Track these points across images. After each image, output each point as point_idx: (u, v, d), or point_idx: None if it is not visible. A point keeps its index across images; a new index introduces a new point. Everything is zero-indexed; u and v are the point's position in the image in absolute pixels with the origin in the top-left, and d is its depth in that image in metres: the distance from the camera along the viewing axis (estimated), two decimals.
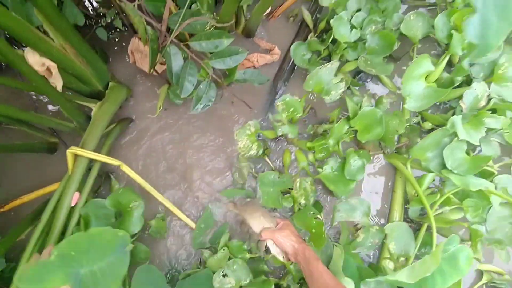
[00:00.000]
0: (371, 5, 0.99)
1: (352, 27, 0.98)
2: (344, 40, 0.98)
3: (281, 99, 0.93)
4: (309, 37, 1.07)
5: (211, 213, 0.95)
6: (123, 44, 1.06)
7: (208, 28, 0.85)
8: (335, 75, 0.97)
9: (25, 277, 0.55)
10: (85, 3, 1.01)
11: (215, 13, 0.92)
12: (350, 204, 0.94)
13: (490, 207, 0.86)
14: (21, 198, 0.89)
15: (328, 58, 1.08)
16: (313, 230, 0.88)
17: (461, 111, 0.91)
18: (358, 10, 1.01)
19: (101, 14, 1.04)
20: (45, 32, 0.73)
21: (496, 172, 0.93)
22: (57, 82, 0.78)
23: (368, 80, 1.12)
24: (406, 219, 1.00)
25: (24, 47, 0.75)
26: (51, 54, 0.74)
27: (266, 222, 0.84)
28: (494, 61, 0.93)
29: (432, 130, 1.01)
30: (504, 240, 0.83)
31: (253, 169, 1.01)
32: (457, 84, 0.97)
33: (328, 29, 1.03)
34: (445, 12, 0.93)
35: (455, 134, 0.86)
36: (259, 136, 1.04)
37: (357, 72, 1.11)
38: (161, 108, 1.00)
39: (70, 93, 0.89)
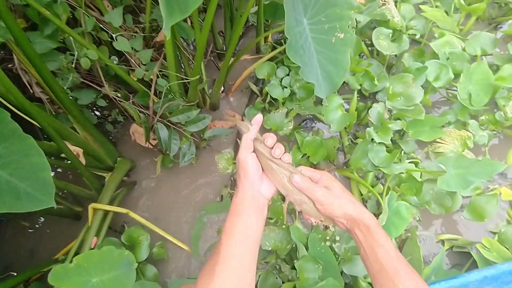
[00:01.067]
0: (293, 72, 1.42)
1: (283, 87, 1.39)
2: (281, 97, 1.37)
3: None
4: (257, 101, 1.47)
5: (199, 224, 1.21)
6: (126, 130, 1.44)
7: (181, 106, 1.24)
8: (286, 117, 1.34)
9: (53, 276, 0.83)
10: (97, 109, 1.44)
11: (185, 96, 1.32)
12: None
13: (422, 185, 1.14)
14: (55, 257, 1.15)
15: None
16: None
17: (372, 123, 1.25)
18: (287, 75, 1.43)
19: (107, 115, 1.45)
20: (73, 128, 1.11)
21: (420, 161, 1.24)
22: (82, 161, 1.13)
23: (313, 125, 1.48)
24: None
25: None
26: (78, 143, 1.10)
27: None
28: (385, 87, 1.31)
29: None
30: (430, 200, 1.13)
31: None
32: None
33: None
34: None
35: (374, 141, 1.19)
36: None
37: (303, 119, 1.48)
38: (159, 171, 1.33)
39: (90, 168, 1.23)
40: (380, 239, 0.56)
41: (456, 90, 1.30)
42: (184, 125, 1.24)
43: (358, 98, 1.37)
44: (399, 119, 1.26)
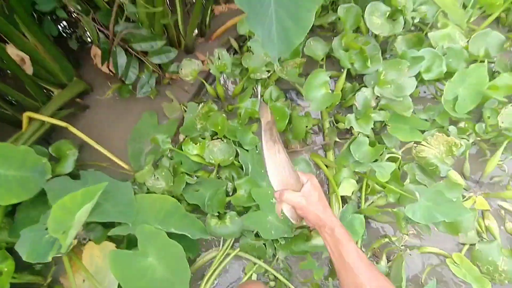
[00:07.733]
0: None
1: None
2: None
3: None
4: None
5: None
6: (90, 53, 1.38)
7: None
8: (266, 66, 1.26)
9: None
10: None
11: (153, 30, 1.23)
12: None
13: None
14: None
15: None
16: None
17: (357, 109, 1.16)
18: None
19: (73, 30, 1.38)
20: (23, 34, 1.05)
21: (400, 157, 1.17)
22: (28, 69, 1.08)
23: (294, 98, 1.37)
24: None
25: (7, 42, 1.07)
26: (24, 48, 1.05)
27: (289, 176, 0.75)
28: (377, 70, 1.17)
29: (345, 129, 1.26)
30: None
31: None
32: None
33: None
34: (339, 36, 1.22)
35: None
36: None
37: (286, 90, 1.36)
38: (110, 94, 1.31)
39: (39, 79, 1.18)
40: (343, 240, 0.69)
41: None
42: (148, 56, 1.17)
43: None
44: (382, 109, 1.18)
